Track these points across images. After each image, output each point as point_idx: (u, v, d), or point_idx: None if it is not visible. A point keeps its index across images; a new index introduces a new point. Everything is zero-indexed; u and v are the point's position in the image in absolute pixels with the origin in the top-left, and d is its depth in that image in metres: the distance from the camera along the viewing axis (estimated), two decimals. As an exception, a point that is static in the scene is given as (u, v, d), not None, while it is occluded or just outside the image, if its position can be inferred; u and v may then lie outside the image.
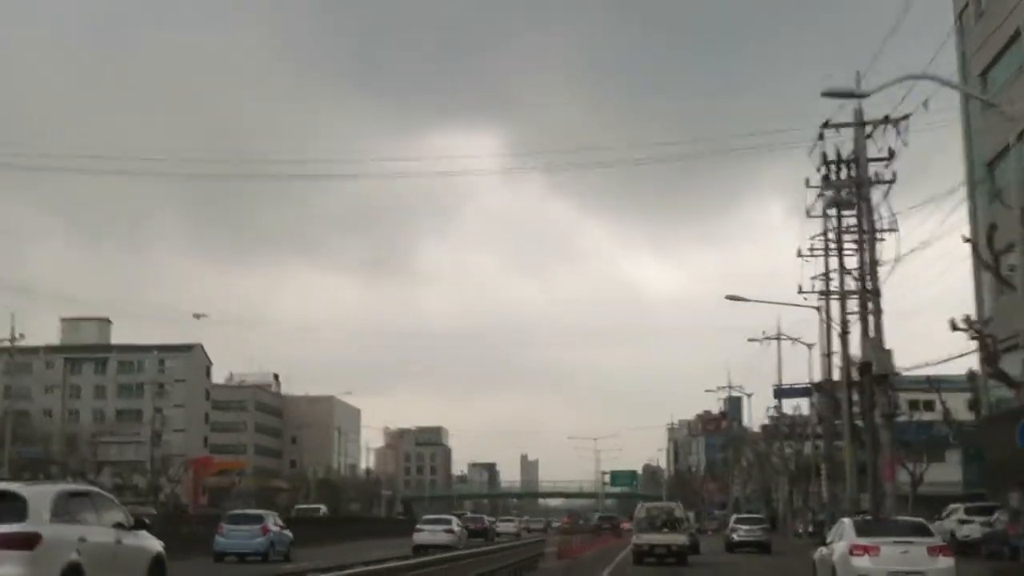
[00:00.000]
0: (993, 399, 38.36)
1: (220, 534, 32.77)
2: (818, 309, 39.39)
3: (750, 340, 58.86)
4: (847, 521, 19.86)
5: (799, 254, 38.38)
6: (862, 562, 17.56)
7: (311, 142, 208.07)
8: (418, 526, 44.29)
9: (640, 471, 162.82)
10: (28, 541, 11.22)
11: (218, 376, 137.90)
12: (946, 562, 17.55)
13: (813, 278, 38.12)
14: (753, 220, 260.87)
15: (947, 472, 58.38)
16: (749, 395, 76.09)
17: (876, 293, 28.02)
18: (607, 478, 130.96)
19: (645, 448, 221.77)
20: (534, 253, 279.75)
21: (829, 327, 38.21)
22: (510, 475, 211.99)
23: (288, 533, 35.81)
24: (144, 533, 14.25)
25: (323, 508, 59.69)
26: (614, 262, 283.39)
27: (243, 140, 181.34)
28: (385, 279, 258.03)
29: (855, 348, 32.84)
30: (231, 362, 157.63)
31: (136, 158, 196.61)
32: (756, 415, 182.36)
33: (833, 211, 33.44)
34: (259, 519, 34.69)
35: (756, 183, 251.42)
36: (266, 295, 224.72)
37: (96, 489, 14.43)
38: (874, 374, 26.87)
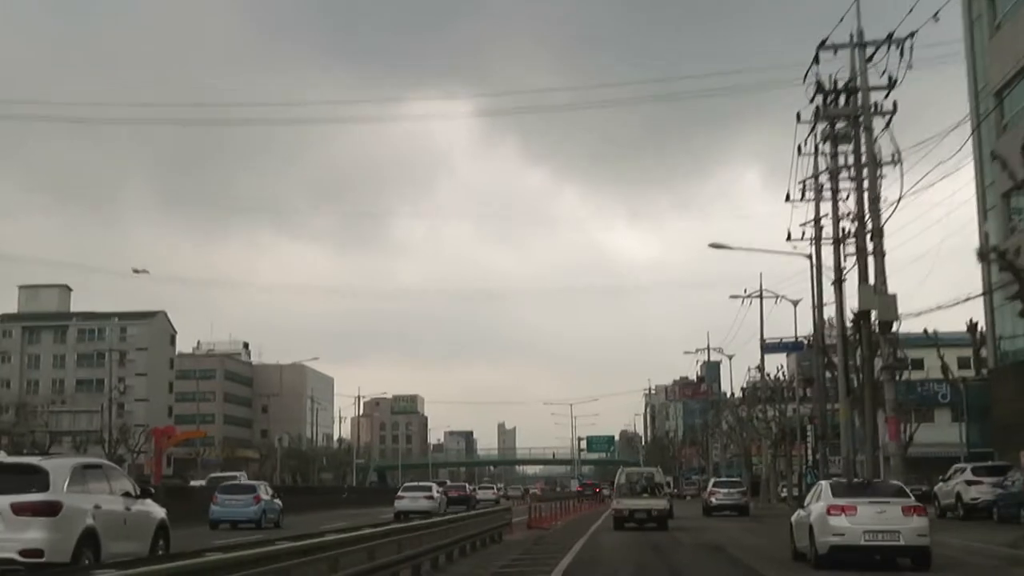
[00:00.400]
0: (1006, 351, 35.18)
1: (215, 503, 34.72)
2: (808, 257, 35.87)
3: (732, 297, 55.83)
4: (824, 483, 20.15)
5: (787, 199, 34.96)
6: (839, 521, 17.95)
7: (285, 109, 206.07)
8: (399, 493, 47.08)
9: (617, 437, 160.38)
10: (51, 508, 13.11)
11: (187, 345, 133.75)
12: (920, 521, 17.93)
13: (803, 224, 34.77)
14: (729, 187, 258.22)
15: (938, 433, 55.37)
16: (730, 357, 72.77)
17: (878, 233, 24.61)
18: (584, 444, 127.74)
19: (622, 414, 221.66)
20: (509, 221, 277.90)
21: (819, 275, 34.87)
22: (488, 443, 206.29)
23: (278, 502, 37.64)
24: (149, 501, 15.96)
25: (241, 476, 55.29)
26: (590, 229, 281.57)
27: (217, 107, 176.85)
28: (360, 247, 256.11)
29: (852, 300, 29.38)
30: (204, 332, 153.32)
31: (109, 122, 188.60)
32: (736, 379, 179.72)
33: (827, 148, 29.68)
34: (252, 489, 36.73)
35: (733, 149, 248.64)
36: (240, 264, 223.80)
37: (107, 462, 16.46)
38: (878, 322, 23.33)
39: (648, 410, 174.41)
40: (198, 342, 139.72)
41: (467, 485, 74.85)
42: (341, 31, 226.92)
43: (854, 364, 32.60)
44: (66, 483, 13.68)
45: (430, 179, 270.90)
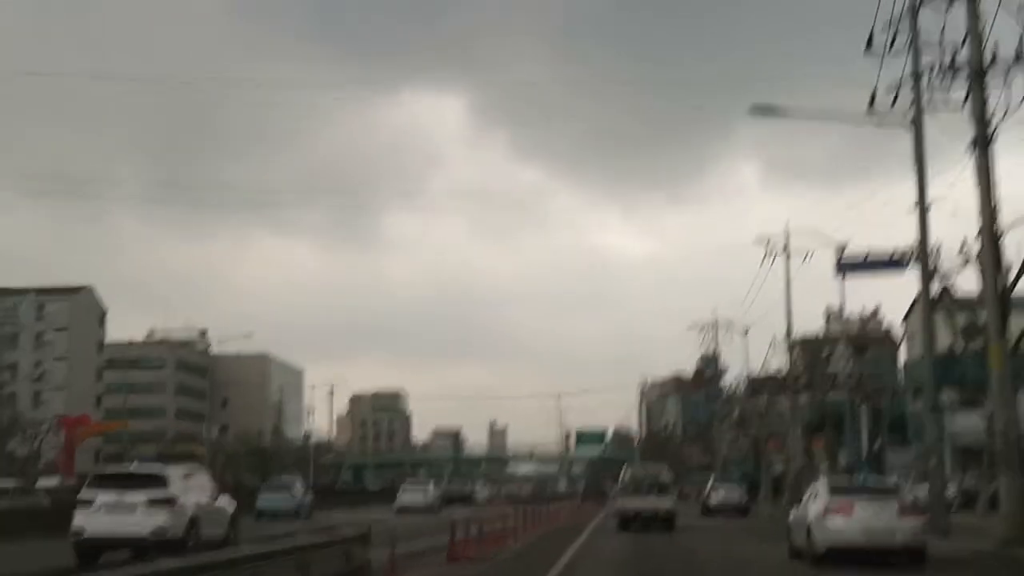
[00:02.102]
0: None
1: (260, 498, 42.93)
2: (912, 123, 21.87)
3: (755, 243, 44.70)
4: (822, 482, 20.63)
5: (869, 44, 20.79)
6: (836, 521, 18.39)
7: (272, 102, 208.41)
8: (401, 489, 55.00)
9: (611, 435, 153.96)
10: (170, 501, 19.40)
11: (141, 333, 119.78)
12: (916, 521, 18.56)
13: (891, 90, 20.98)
14: (725, 183, 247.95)
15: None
16: (745, 331, 59.22)
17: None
18: (573, 440, 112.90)
19: (617, 412, 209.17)
20: (502, 216, 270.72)
21: (922, 151, 20.84)
22: (478, 443, 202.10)
23: (310, 498, 46.69)
24: (225, 497, 22.29)
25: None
26: (583, 226, 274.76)
27: (201, 98, 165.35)
28: (348, 244, 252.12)
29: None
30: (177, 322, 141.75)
31: (89, 113, 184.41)
32: (754, 357, 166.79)
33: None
34: (289, 486, 46.59)
35: (729, 145, 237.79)
36: (224, 257, 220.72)
37: (200, 468, 23.64)
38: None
39: (643, 405, 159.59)
40: (150, 329, 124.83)
41: (468, 484, 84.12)
42: (328, 19, 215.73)
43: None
44: (179, 484, 19.96)
45: (421, 173, 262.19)
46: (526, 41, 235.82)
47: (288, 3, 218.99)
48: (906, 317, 51.77)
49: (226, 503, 22.12)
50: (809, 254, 52.22)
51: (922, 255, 25.16)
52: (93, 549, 19.14)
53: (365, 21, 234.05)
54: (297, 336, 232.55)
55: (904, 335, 44.50)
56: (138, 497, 19.30)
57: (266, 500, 43.06)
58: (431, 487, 56.22)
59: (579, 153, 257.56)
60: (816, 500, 19.35)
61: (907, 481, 43.54)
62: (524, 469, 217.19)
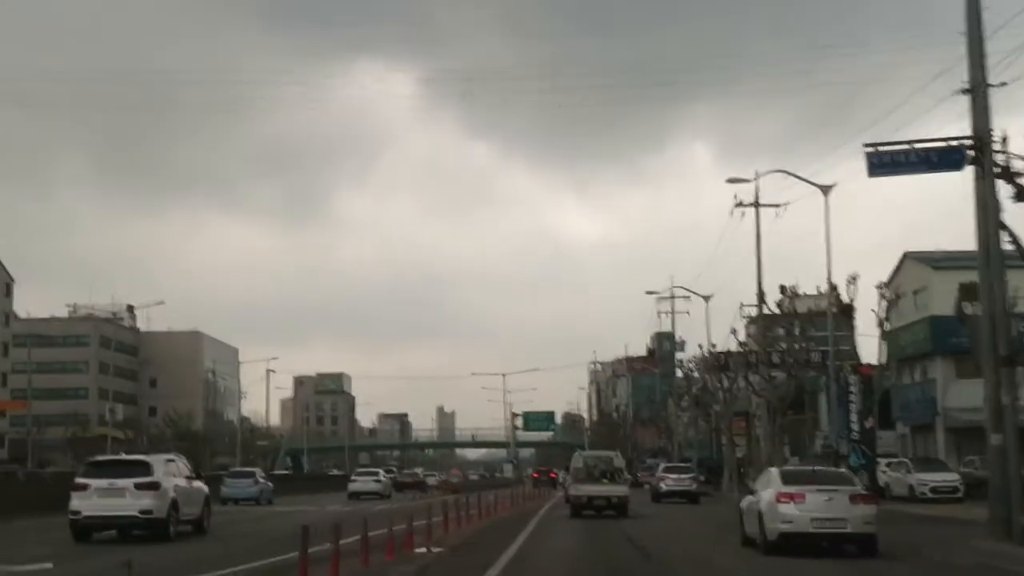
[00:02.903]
0: None
1: (224, 485, 45.46)
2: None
3: (730, 181, 45.65)
4: (774, 470, 21.40)
5: None
6: (788, 509, 18.70)
7: (222, 77, 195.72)
8: (352, 477, 59.21)
9: (559, 419, 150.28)
10: (154, 485, 22.57)
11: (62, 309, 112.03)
12: (867, 509, 18.87)
13: None
14: (682, 162, 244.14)
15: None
16: (706, 298, 53.67)
17: None
18: (519, 422, 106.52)
19: (565, 393, 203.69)
20: (455, 197, 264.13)
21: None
22: (427, 427, 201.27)
23: (270, 484, 49.68)
24: (199, 482, 25.63)
25: None
26: (537, 206, 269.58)
27: (149, 72, 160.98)
28: (299, 223, 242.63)
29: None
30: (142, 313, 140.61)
31: (34, 90, 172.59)
32: (718, 328, 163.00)
33: None
34: (251, 474, 49.73)
35: (687, 124, 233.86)
36: (175, 239, 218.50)
37: (179, 456, 26.98)
38: None
39: (593, 387, 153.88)
40: (75, 305, 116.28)
41: (420, 471, 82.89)
42: None
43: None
44: (161, 471, 23.25)
45: (374, 153, 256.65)
46: (482, 15, 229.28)
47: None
48: (890, 281, 45.79)
49: (200, 486, 25.49)
50: (783, 207, 46.04)
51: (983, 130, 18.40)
52: (88, 528, 22.63)
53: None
54: (245, 317, 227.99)
55: (889, 300, 38.39)
56: (127, 482, 22.41)
57: (231, 487, 46.21)
58: (382, 474, 58.94)
59: (534, 131, 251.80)
60: (768, 488, 19.68)
61: (905, 465, 37.40)
62: (474, 454, 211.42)
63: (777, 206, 48.09)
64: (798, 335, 45.80)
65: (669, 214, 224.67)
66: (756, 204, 48.19)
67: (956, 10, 20.62)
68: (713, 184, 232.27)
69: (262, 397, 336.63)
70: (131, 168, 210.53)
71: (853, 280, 38.80)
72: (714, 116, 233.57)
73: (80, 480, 23.08)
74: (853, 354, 49.85)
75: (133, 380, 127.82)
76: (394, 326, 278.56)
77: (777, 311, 46.76)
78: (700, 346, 60.53)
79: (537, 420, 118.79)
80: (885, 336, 38.87)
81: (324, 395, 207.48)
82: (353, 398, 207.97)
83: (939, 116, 53.88)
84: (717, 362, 56.15)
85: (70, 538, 22.27)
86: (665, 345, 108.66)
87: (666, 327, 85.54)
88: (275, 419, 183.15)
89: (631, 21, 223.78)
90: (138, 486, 22.33)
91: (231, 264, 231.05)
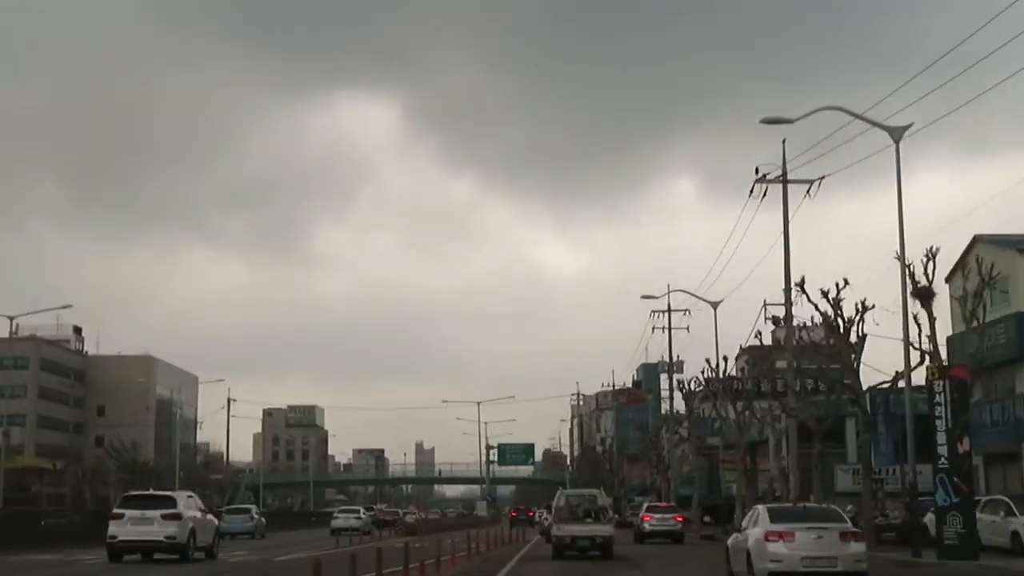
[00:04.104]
0: None
1: (223, 520, 45.85)
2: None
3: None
4: (762, 507, 20.63)
5: None
6: (777, 547, 18.28)
7: (198, 108, 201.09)
8: (335, 513, 65.57)
9: (540, 456, 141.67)
10: (178, 516, 27.75)
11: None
12: (857, 547, 18.53)
13: None
14: (663, 198, 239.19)
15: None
16: (715, 304, 44.05)
17: None
18: (495, 455, 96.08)
19: (545, 431, 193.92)
20: (433, 230, 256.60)
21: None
22: (406, 463, 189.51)
23: (264, 520, 56.19)
24: (211, 515, 32.16)
25: None
26: (516, 240, 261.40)
27: (124, 105, 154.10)
28: (275, 257, 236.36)
29: None
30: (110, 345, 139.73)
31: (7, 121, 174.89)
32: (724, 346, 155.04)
33: None
34: (247, 510, 56.23)
35: (665, 160, 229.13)
36: (148, 272, 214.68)
37: (193, 493, 33.54)
38: None
39: (576, 421, 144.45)
40: (16, 324, 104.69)
41: (399, 510, 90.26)
42: (254, 19, 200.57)
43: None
44: (183, 504, 28.65)
45: (351, 183, 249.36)
46: (462, 46, 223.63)
47: (212, 4, 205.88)
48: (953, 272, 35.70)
49: (211, 519, 32.04)
50: (816, 184, 36.79)
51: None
52: (122, 551, 28.12)
53: (294, 21, 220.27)
54: (217, 350, 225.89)
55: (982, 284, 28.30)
56: (155, 513, 27.86)
57: (228, 522, 49.23)
58: (362, 512, 65.87)
59: (514, 163, 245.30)
60: (756, 525, 19.51)
61: (1005, 505, 27.01)
62: (453, 491, 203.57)
63: (810, 182, 38.57)
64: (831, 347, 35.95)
65: (651, 248, 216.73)
66: (784, 178, 38.77)
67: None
68: (696, 217, 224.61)
69: (233, 429, 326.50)
70: (103, 199, 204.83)
71: (932, 255, 28.91)
72: (696, 151, 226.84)
73: (117, 511, 28.84)
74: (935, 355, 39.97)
75: (79, 407, 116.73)
76: (372, 361, 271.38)
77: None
78: (707, 360, 50.53)
79: (515, 453, 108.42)
80: (975, 331, 29.04)
81: (296, 429, 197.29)
82: (326, 432, 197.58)
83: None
84: (730, 385, 46.33)
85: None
86: (654, 374, 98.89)
87: (661, 344, 75.79)
88: (246, 453, 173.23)
89: (613, 54, 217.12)
90: (164, 516, 27.76)
91: (206, 297, 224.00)
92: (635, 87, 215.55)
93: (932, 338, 28.71)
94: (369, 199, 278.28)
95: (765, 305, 41.35)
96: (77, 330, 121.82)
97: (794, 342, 36.91)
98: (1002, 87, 27.48)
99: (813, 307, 34.50)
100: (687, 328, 65.80)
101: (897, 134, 28.19)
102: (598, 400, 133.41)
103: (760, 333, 43.38)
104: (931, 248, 29.73)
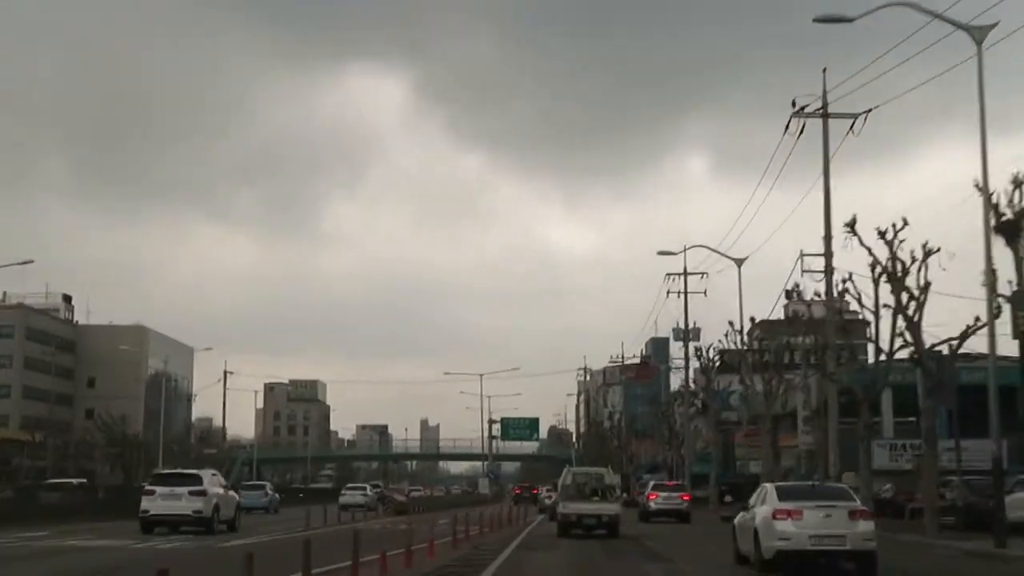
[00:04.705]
0: None
1: (240, 496, 48.19)
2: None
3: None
4: (769, 486, 20.73)
5: None
6: (785, 526, 18.13)
7: (208, 82, 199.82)
8: (343, 491, 67.29)
9: (545, 433, 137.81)
10: (203, 492, 30.91)
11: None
12: (866, 525, 18.31)
13: None
14: (675, 175, 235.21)
15: None
16: (739, 261, 38.60)
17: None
18: (497, 429, 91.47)
19: (551, 407, 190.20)
20: (443, 207, 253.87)
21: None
22: (410, 441, 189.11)
23: (277, 495, 60.21)
24: (232, 492, 35.84)
25: None
26: (528, 217, 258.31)
27: (133, 78, 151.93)
28: (285, 233, 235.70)
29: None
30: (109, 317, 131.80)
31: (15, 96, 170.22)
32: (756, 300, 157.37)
33: None
34: (262, 487, 60.27)
35: (678, 135, 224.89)
36: (157, 247, 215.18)
37: (216, 472, 38.24)
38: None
39: (583, 397, 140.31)
40: (3, 293, 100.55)
41: (407, 487, 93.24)
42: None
43: None
44: (207, 482, 31.95)
45: (361, 159, 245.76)
46: (475, 20, 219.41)
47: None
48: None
49: (233, 495, 35.19)
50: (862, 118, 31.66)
51: None
52: (153, 523, 31.05)
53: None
54: (226, 326, 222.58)
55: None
56: (183, 489, 31.05)
57: (245, 498, 49.03)
58: (369, 489, 67.12)
59: (525, 139, 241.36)
60: (764, 504, 19.31)
61: None
62: (458, 468, 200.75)
63: (854, 116, 33.70)
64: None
65: (662, 227, 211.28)
66: (824, 111, 33.93)
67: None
68: (707, 196, 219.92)
69: (236, 404, 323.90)
70: (112, 173, 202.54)
71: (1020, 183, 23.80)
72: (710, 127, 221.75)
73: (148, 487, 32.52)
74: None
75: (68, 378, 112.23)
76: (380, 339, 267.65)
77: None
78: (731, 323, 45.62)
79: (519, 428, 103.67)
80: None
81: (297, 404, 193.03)
82: (328, 407, 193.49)
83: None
84: (756, 353, 41.71)
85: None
86: (663, 349, 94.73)
87: (675, 312, 70.96)
88: (249, 429, 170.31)
89: (626, 27, 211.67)
90: (191, 493, 31.08)
91: (211, 272, 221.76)
92: (647, 62, 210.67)
93: (1020, 278, 23.69)
94: (378, 175, 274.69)
95: (802, 256, 36.40)
96: (67, 299, 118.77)
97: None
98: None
99: (866, 251, 30.03)
100: (704, 292, 61.22)
101: (980, 35, 23.23)
102: (605, 375, 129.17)
103: (798, 287, 38.36)
104: (1019, 173, 24.87)
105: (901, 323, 30.49)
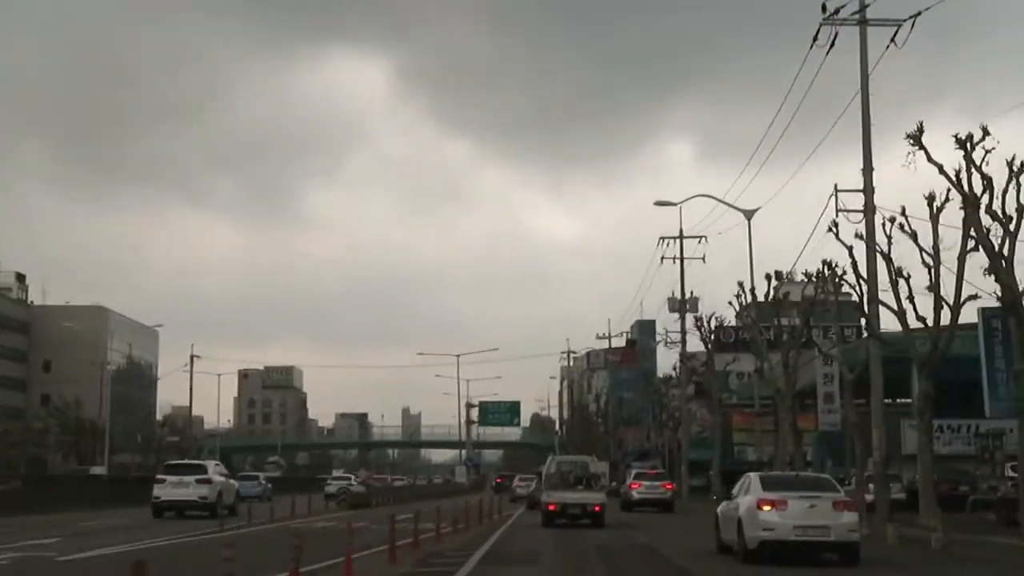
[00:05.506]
0: None
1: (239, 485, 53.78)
2: None
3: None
4: (753, 475, 20.36)
5: None
6: (769, 516, 18.08)
7: (187, 66, 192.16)
8: (328, 480, 70.11)
9: (528, 422, 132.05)
10: (208, 480, 35.38)
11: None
12: (850, 516, 18.36)
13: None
14: (659, 161, 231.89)
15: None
16: (750, 213, 31.02)
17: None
18: (475, 414, 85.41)
19: (533, 393, 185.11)
20: (426, 193, 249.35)
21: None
22: (388, 428, 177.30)
23: (270, 485, 61.08)
24: (232, 480, 40.90)
25: None
26: (512, 203, 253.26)
27: (112, 61, 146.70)
28: (266, 219, 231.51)
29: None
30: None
31: None
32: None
33: None
34: (256, 477, 63.30)
35: (664, 121, 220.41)
36: (135, 234, 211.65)
37: (219, 463, 44.98)
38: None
39: (566, 383, 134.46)
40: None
41: (388, 476, 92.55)
42: None
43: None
44: (211, 471, 36.59)
45: (343, 144, 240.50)
46: (458, 5, 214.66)
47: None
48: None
49: (233, 483, 39.73)
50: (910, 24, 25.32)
51: None
52: (163, 508, 34.57)
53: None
54: (203, 313, 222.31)
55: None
56: (190, 478, 35.12)
57: (240, 487, 51.36)
58: (353, 479, 67.68)
59: (509, 125, 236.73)
60: (747, 493, 19.36)
61: None
62: (440, 456, 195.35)
63: (899, 23, 27.62)
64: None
65: (646, 211, 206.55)
66: (862, 15, 27.55)
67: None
68: (693, 179, 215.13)
69: (206, 391, 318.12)
70: (90, 160, 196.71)
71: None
72: (695, 112, 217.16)
73: (160, 476, 36.61)
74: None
75: (21, 362, 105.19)
76: (362, 326, 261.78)
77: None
78: (740, 284, 39.53)
79: (499, 413, 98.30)
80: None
81: (272, 391, 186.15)
82: (304, 394, 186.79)
83: None
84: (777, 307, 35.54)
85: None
86: (650, 331, 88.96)
87: (668, 285, 64.64)
88: (226, 416, 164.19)
89: (612, 10, 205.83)
90: (198, 480, 34.94)
91: (193, 259, 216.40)
92: (632, 46, 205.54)
93: None
94: (361, 161, 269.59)
95: (836, 192, 29.79)
96: (20, 277, 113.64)
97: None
98: None
99: (936, 169, 23.66)
100: (703, 258, 55.01)
101: None
102: (589, 359, 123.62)
103: (836, 225, 31.37)
104: None
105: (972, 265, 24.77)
